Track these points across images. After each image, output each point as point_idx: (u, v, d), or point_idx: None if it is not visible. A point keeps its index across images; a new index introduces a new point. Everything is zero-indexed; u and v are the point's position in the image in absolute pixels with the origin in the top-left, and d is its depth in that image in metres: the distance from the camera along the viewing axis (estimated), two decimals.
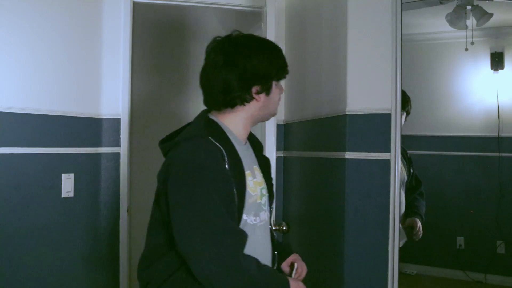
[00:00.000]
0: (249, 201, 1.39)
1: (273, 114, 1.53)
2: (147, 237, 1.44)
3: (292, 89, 2.81)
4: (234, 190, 1.33)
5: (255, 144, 1.58)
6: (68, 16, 2.35)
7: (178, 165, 1.33)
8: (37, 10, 2.24)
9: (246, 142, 1.51)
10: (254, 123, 1.52)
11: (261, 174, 1.50)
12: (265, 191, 1.49)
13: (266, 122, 2.08)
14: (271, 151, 2.13)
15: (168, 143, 1.40)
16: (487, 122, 4.44)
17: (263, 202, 1.46)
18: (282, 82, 1.52)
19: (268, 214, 1.51)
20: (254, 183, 1.43)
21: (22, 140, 2.19)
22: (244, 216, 1.38)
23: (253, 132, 1.59)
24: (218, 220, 1.26)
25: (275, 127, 2.18)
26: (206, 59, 1.45)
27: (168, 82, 3.84)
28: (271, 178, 1.53)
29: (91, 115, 2.44)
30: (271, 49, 1.48)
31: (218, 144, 1.34)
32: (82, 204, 2.40)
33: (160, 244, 1.38)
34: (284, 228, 2.08)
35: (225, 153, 1.34)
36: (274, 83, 1.47)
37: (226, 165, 1.33)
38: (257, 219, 1.43)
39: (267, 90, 1.44)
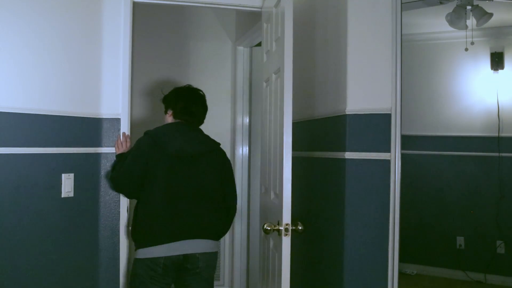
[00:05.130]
0: None
1: None
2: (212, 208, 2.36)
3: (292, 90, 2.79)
4: None
5: None
6: (68, 16, 2.35)
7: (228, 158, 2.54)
8: (37, 10, 2.23)
9: None
10: None
11: None
12: None
13: (284, 122, 2.03)
14: (287, 152, 2.00)
15: (215, 145, 2.44)
16: (487, 122, 4.44)
17: None
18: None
19: None
20: None
21: (22, 140, 2.19)
22: None
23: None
24: None
25: (290, 128, 2.03)
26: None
27: (168, 82, 3.84)
28: None
29: (91, 115, 2.44)
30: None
31: None
32: (82, 204, 2.40)
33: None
34: (300, 228, 2.05)
35: None
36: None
37: None
38: None
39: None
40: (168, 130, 2.37)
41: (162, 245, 2.24)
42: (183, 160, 2.32)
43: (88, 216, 2.43)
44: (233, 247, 3.88)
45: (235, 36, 3.97)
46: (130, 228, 2.42)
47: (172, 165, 2.30)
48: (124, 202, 2.50)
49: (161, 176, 2.28)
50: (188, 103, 2.44)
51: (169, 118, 2.48)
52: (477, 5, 3.63)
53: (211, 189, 2.37)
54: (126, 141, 2.50)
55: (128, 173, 2.30)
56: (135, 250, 2.33)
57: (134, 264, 2.32)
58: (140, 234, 2.30)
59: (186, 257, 2.28)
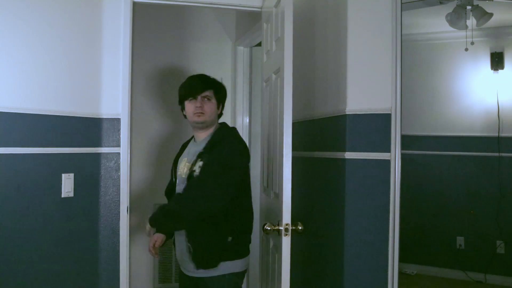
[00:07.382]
0: (177, 174, 2.30)
1: (193, 121, 2.23)
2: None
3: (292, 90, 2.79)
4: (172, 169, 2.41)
5: (210, 144, 2.19)
6: (68, 16, 2.35)
7: None
8: (36, 10, 2.23)
9: (195, 141, 2.32)
10: (195, 129, 2.29)
11: (187, 164, 2.23)
12: (185, 174, 2.21)
13: (284, 122, 2.03)
14: (287, 152, 2.00)
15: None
16: (487, 122, 4.44)
17: (182, 178, 2.23)
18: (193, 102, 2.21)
19: (182, 186, 2.23)
20: (181, 167, 2.27)
21: (22, 140, 2.19)
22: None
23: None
24: None
25: (290, 128, 2.02)
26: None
27: (168, 81, 3.84)
28: (193, 169, 2.17)
29: (91, 115, 2.44)
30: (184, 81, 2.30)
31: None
32: (82, 204, 2.40)
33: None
34: (300, 228, 2.05)
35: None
36: (185, 102, 2.24)
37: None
38: (178, 188, 2.28)
39: (183, 108, 2.28)
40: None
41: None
42: None
43: (88, 216, 2.44)
44: None
45: (235, 36, 3.97)
46: (230, 238, 2.14)
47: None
48: (124, 202, 2.50)
49: (248, 184, 2.28)
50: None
51: (217, 117, 2.31)
52: (477, 5, 3.64)
53: None
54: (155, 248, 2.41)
55: (226, 191, 2.08)
56: (232, 260, 2.16)
57: (237, 279, 2.19)
58: (246, 242, 2.24)
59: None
